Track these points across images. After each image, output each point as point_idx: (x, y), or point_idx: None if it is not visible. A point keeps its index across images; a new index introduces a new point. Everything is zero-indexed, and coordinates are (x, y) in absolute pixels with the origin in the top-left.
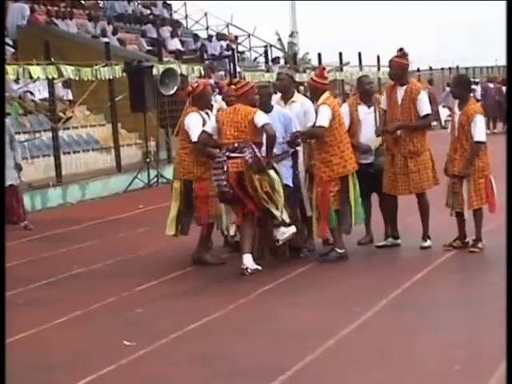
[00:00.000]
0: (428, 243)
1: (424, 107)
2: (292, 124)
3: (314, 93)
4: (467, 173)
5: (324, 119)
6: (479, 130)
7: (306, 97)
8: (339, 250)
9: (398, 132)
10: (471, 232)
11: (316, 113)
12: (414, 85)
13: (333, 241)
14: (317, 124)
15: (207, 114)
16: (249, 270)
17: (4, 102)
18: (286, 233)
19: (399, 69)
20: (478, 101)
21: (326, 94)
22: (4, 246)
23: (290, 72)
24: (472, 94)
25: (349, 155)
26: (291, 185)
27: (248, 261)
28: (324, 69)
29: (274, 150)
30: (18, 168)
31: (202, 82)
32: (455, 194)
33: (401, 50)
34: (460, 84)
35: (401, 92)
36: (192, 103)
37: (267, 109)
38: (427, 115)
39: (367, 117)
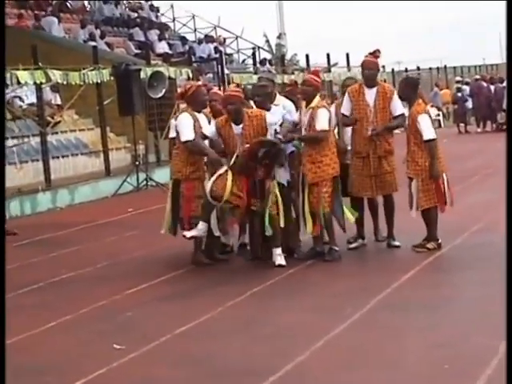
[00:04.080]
0: (398, 242)
1: (398, 106)
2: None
3: (313, 91)
4: (437, 172)
5: (326, 123)
6: (425, 128)
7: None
8: (336, 248)
9: (370, 133)
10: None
11: (307, 116)
12: (386, 86)
13: (328, 240)
14: (320, 128)
15: (206, 116)
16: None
17: (4, 102)
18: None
19: (376, 68)
20: (465, 101)
21: (318, 96)
22: (4, 249)
23: (270, 76)
24: (460, 94)
25: (336, 157)
26: (286, 184)
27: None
28: (319, 71)
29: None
30: None
31: (195, 84)
32: (411, 195)
33: (377, 51)
34: (407, 86)
35: (371, 94)
36: (186, 104)
37: (265, 108)
38: (402, 114)
39: None
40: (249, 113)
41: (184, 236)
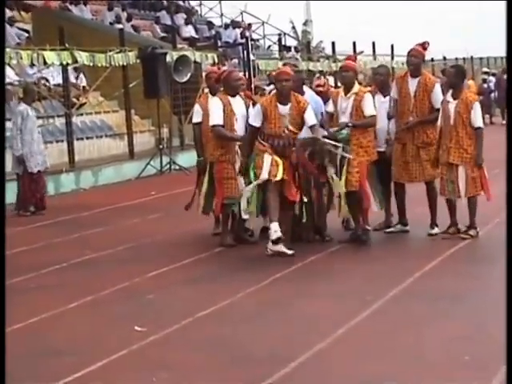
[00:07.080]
0: (436, 230)
1: (439, 99)
2: (322, 110)
3: (353, 76)
4: (482, 160)
5: (373, 108)
6: (478, 116)
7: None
8: (369, 227)
9: (410, 119)
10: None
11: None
12: (429, 77)
13: (362, 222)
14: (369, 113)
15: (243, 99)
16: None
17: (4, 100)
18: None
19: (420, 57)
20: (490, 92)
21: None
22: (4, 244)
23: (296, 63)
24: (486, 85)
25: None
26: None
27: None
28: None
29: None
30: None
31: (228, 69)
32: (453, 182)
33: (426, 43)
34: (457, 73)
35: (413, 84)
36: (220, 88)
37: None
38: None
39: (382, 106)
40: (295, 95)
41: (267, 251)
